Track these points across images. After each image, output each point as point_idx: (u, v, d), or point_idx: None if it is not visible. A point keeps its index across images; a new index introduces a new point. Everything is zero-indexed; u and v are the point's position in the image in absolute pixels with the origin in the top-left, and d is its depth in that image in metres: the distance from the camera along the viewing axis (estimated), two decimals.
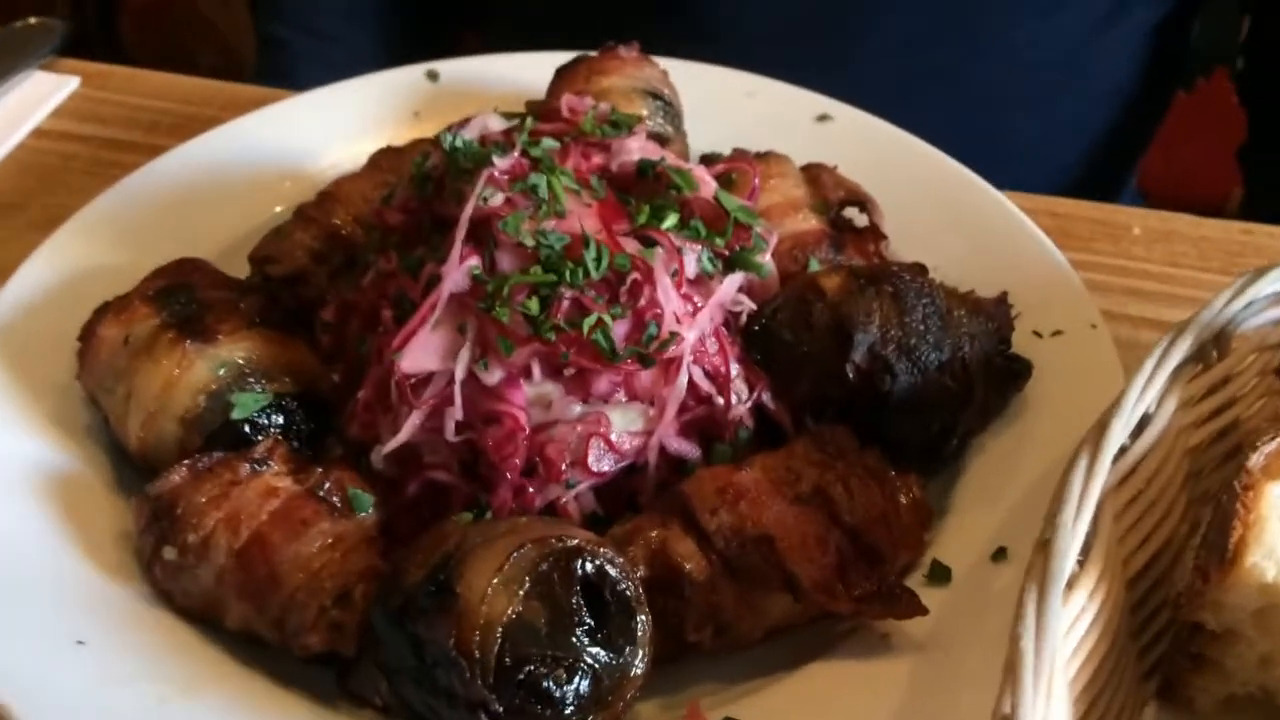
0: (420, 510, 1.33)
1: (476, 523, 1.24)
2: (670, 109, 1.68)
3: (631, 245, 1.35)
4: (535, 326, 1.29)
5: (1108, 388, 1.37)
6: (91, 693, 1.20)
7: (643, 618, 1.13)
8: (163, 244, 1.59)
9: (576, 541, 1.13)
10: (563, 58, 1.74)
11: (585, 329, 1.29)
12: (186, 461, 1.29)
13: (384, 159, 1.63)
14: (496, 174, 1.36)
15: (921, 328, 1.37)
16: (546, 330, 1.28)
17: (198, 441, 1.35)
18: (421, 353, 1.31)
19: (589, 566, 1.12)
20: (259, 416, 1.36)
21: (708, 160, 1.60)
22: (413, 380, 1.31)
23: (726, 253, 1.41)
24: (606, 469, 1.31)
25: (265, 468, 1.29)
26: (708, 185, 1.44)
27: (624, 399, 1.32)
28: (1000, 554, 1.29)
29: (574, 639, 1.10)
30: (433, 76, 1.87)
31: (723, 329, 1.39)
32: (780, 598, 1.24)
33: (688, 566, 1.22)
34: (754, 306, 1.42)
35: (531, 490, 1.29)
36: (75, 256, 1.60)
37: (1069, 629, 1.02)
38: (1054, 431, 1.38)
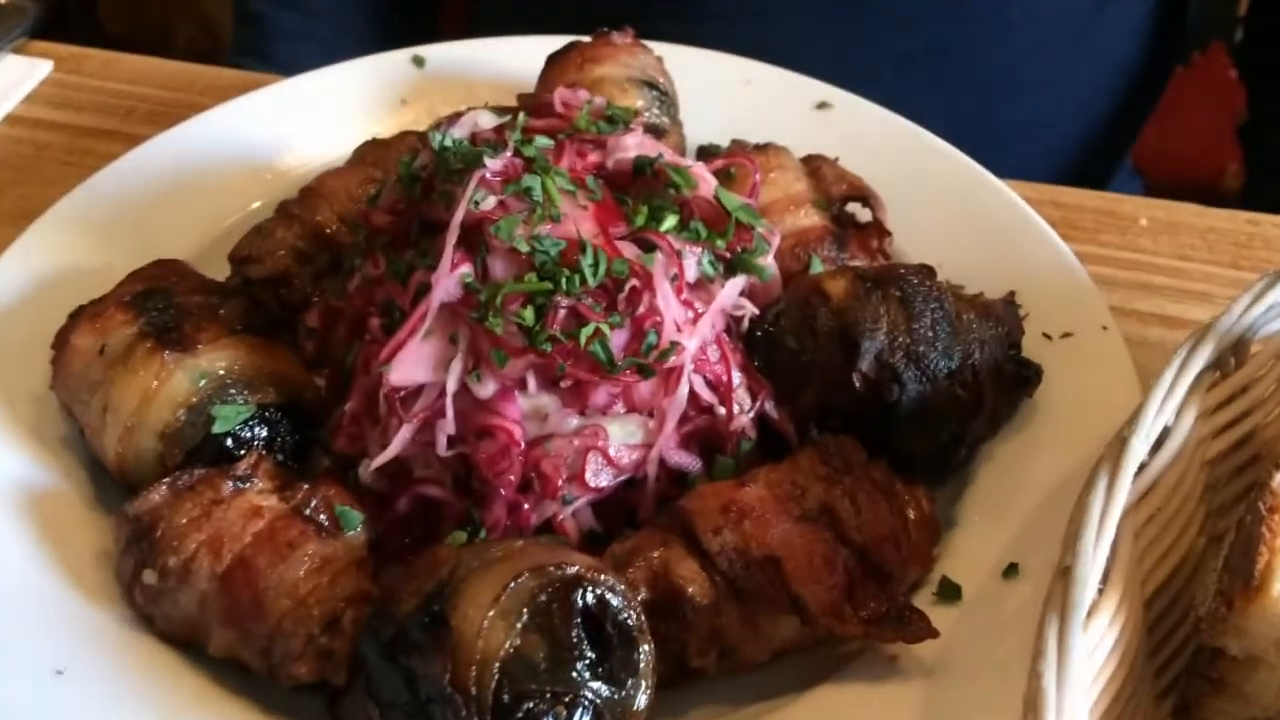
0: (411, 526, 1.29)
1: (471, 545, 1.19)
2: (666, 99, 1.62)
3: (629, 249, 1.30)
4: (530, 337, 1.24)
5: (1119, 393, 1.36)
6: None
7: (645, 648, 1.09)
8: (140, 241, 1.54)
9: (576, 569, 1.08)
10: (553, 42, 1.68)
11: (582, 339, 1.24)
12: (166, 480, 1.25)
13: (369, 152, 1.58)
14: (488, 176, 1.30)
15: (930, 334, 1.32)
16: (542, 341, 1.24)
17: (178, 457, 1.30)
18: (411, 364, 1.26)
19: (589, 597, 1.07)
20: (242, 429, 1.32)
21: (706, 154, 1.55)
22: (402, 393, 1.26)
23: (728, 254, 1.36)
24: (605, 484, 1.27)
25: (249, 485, 1.25)
26: (707, 183, 1.39)
27: (622, 410, 1.28)
28: (1012, 570, 1.26)
29: (574, 673, 1.05)
30: (419, 62, 1.80)
31: (724, 335, 1.35)
32: (787, 620, 1.20)
33: (690, 589, 1.18)
34: (756, 311, 1.38)
35: (527, 507, 1.25)
36: (48, 256, 1.55)
37: (1089, 655, 0.99)
38: (1064, 440, 1.35)
